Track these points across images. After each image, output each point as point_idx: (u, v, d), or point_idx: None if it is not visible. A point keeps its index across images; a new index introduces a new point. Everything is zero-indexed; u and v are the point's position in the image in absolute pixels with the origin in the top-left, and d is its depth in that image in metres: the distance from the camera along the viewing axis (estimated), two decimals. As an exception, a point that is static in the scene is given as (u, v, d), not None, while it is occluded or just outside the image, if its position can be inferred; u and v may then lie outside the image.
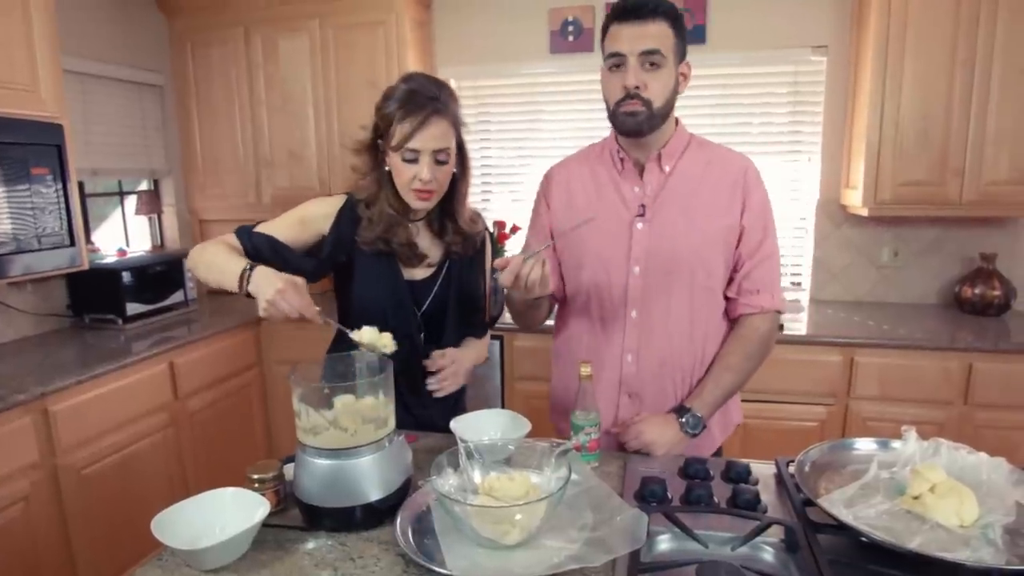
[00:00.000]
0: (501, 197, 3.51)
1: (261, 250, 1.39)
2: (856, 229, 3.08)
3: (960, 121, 2.58)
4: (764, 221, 1.44)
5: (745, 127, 3.12)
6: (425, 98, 1.33)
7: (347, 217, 1.46)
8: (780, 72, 3.06)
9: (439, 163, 1.36)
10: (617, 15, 1.34)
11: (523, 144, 3.43)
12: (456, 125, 1.39)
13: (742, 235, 1.43)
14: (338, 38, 3.15)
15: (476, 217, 1.57)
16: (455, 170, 1.44)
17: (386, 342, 1.28)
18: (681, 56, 1.37)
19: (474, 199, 3.49)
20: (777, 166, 3.13)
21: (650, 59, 1.32)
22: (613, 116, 1.39)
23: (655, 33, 1.31)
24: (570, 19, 3.17)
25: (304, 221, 1.46)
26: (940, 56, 2.56)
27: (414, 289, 1.50)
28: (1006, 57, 2.50)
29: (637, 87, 1.32)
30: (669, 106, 1.38)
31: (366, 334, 1.28)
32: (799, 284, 3.21)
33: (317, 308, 1.25)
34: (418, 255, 1.48)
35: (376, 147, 1.42)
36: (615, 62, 1.34)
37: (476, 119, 3.45)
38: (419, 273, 1.51)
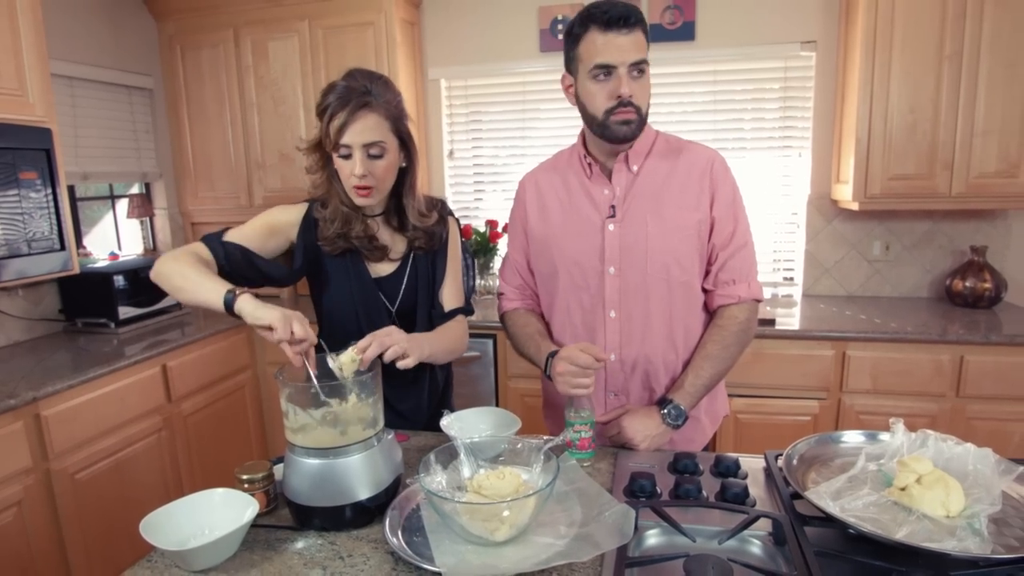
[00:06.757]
0: (493, 196, 3.51)
1: (233, 259, 1.38)
2: (847, 223, 3.09)
3: (948, 114, 2.59)
4: (734, 211, 1.44)
5: (737, 123, 3.12)
6: (355, 92, 1.32)
7: (310, 223, 1.46)
8: (770, 68, 3.06)
9: (372, 157, 1.34)
10: (602, 24, 1.31)
11: (515, 143, 3.42)
12: (392, 117, 1.37)
13: (713, 227, 1.44)
14: (328, 39, 3.15)
15: (430, 208, 1.51)
16: (402, 164, 1.43)
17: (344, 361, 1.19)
18: None
19: (466, 198, 3.52)
20: (768, 161, 3.14)
21: (638, 68, 1.33)
22: (603, 125, 1.37)
23: (640, 42, 1.33)
24: (560, 17, 3.17)
25: (273, 228, 1.45)
26: (927, 50, 2.57)
27: (383, 286, 1.50)
28: (992, 50, 2.51)
29: (631, 95, 1.33)
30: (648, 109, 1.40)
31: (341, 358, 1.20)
32: (791, 279, 3.22)
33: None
34: (379, 247, 1.47)
35: (324, 145, 1.40)
36: (603, 72, 1.33)
37: (467, 118, 3.46)
38: (384, 269, 1.50)
